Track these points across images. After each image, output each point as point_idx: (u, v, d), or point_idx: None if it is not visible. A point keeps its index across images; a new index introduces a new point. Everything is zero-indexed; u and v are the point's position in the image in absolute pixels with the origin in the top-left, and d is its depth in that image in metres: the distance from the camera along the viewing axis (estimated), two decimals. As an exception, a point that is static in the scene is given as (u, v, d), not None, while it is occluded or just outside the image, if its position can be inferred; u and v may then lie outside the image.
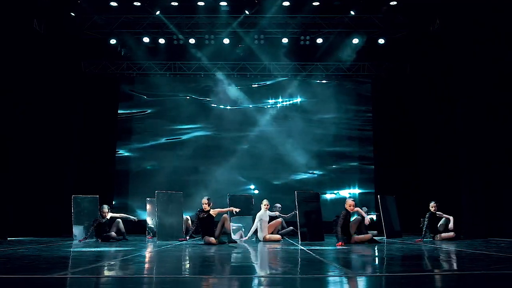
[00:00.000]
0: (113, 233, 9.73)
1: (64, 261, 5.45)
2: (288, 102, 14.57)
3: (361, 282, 3.84)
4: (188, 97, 14.54)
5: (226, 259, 5.81)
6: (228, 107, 14.48)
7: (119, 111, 14.46)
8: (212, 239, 8.25)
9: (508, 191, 9.71)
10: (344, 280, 3.91)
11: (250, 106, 14.48)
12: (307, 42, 13.66)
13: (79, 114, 13.82)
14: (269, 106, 14.53)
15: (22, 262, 5.21)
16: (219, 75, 14.30)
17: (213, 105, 14.45)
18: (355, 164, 14.33)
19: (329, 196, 14.08)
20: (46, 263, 5.08)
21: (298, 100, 14.55)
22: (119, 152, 14.30)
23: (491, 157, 10.22)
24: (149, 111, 14.54)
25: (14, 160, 10.81)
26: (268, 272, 4.42)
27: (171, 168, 14.14)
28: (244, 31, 13.35)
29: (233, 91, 14.41)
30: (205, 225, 8.45)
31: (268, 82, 14.66)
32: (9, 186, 10.54)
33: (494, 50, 9.99)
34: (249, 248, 7.75)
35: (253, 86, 14.63)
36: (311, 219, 9.29)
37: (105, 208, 9.95)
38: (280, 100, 14.57)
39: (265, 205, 9.76)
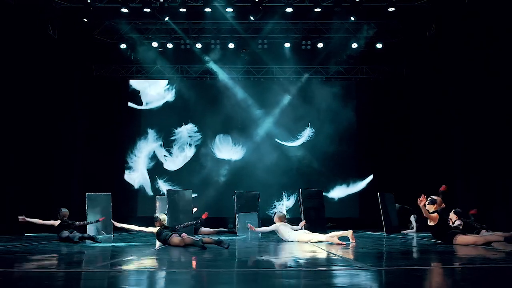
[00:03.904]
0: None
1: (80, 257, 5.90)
2: (288, 104, 14.96)
3: (362, 276, 4.04)
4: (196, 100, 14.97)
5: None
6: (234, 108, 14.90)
7: (128, 113, 14.92)
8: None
9: (502, 189, 10.16)
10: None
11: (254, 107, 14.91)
12: (308, 47, 14.15)
13: (89, 115, 14.27)
14: (270, 108, 14.93)
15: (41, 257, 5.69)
16: (224, 78, 14.77)
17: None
18: (354, 163, 14.75)
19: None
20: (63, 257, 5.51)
21: (298, 101, 14.95)
22: (128, 153, 14.70)
23: (485, 157, 10.65)
24: (158, 111, 14.98)
25: (25, 159, 11.24)
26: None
27: (180, 168, 14.59)
28: (249, 36, 13.86)
29: (239, 93, 14.83)
30: None
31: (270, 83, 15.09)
32: (24, 183, 11.02)
33: (488, 53, 10.37)
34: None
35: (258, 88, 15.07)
36: (314, 216, 9.83)
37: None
38: (280, 102, 14.98)
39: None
